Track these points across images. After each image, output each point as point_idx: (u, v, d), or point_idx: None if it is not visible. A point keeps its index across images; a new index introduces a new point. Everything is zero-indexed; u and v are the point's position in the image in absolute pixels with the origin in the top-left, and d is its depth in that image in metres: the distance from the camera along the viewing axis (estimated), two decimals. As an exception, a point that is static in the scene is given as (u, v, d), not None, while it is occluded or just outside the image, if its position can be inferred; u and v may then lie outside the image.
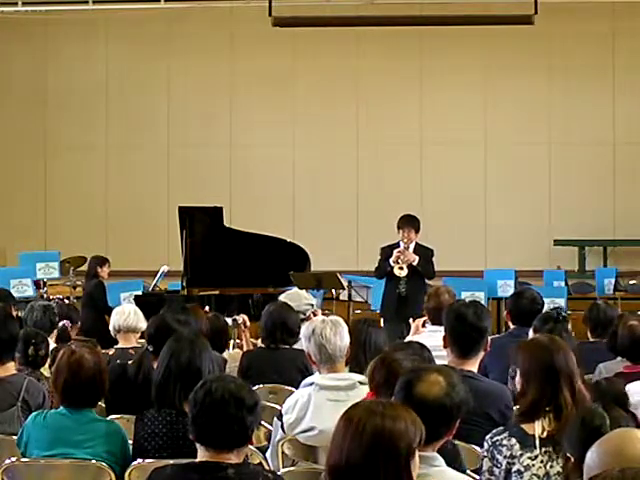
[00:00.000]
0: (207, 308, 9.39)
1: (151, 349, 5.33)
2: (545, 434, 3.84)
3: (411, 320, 6.91)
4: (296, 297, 7.22)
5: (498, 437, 3.91)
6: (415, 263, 10.01)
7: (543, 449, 3.82)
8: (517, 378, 4.10)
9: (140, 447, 4.46)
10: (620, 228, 15.25)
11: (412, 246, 10.16)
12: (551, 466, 3.81)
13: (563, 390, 3.92)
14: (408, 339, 6.59)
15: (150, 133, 15.92)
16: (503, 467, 3.86)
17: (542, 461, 3.82)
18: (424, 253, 10.15)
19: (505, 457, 3.85)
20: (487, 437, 3.95)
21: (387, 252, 10.16)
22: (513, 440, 3.87)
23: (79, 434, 4.49)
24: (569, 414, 3.82)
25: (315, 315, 6.88)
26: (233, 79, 15.82)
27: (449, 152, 15.48)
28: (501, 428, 3.98)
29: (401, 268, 9.99)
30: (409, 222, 10.23)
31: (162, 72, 15.92)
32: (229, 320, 7.67)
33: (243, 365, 6.31)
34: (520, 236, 15.26)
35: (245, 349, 7.19)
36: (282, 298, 7.18)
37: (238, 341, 7.86)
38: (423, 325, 6.68)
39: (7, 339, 5.36)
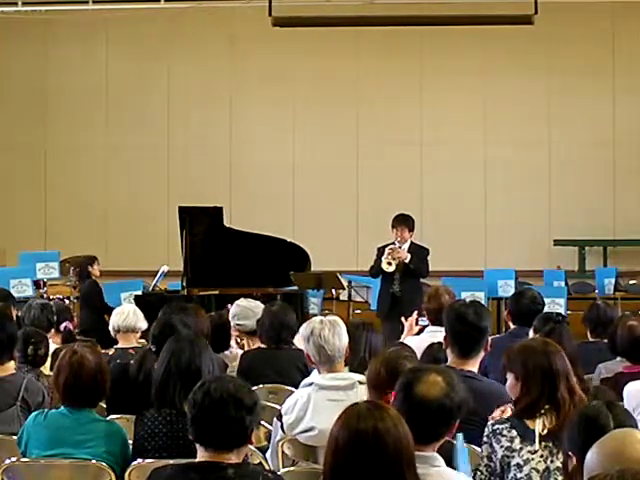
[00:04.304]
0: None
1: (154, 349, 5.33)
2: (545, 431, 3.88)
3: (403, 319, 6.90)
4: (246, 314, 6.95)
5: (499, 426, 3.95)
6: (407, 261, 10.01)
7: (543, 444, 3.87)
8: (510, 381, 4.12)
9: (140, 447, 4.46)
10: (620, 228, 15.24)
11: (406, 245, 10.17)
12: (552, 461, 3.85)
13: (561, 389, 3.98)
14: (403, 338, 6.59)
15: (150, 133, 15.91)
16: (499, 456, 3.90)
17: (542, 456, 3.86)
18: (419, 252, 10.16)
19: (502, 447, 3.90)
20: (489, 423, 3.99)
21: (382, 251, 10.19)
22: (514, 432, 3.91)
23: (79, 434, 4.49)
24: (567, 411, 3.89)
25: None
26: (233, 79, 15.82)
27: (449, 152, 15.48)
28: (504, 417, 4.03)
29: (389, 263, 9.99)
30: (402, 221, 10.26)
31: (162, 72, 15.91)
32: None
33: (243, 365, 6.30)
34: (520, 236, 15.25)
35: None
36: (232, 314, 6.92)
37: (239, 340, 7.84)
38: (416, 322, 6.68)
39: (5, 339, 5.36)
